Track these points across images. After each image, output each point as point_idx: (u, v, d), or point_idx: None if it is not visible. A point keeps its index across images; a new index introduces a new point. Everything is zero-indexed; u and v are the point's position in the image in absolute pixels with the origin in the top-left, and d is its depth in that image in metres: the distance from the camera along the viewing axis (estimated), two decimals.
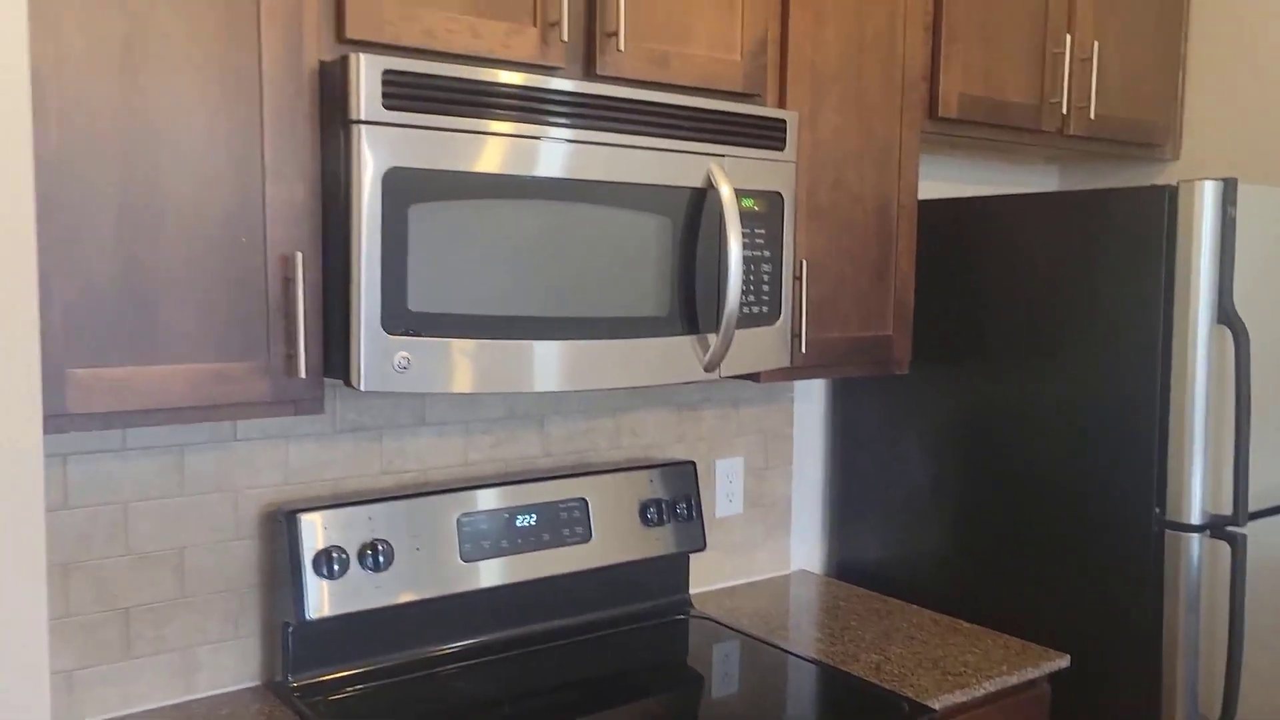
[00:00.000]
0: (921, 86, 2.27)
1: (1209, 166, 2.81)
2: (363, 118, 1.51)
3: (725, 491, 2.52)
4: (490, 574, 2.00)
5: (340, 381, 1.64)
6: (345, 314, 1.56)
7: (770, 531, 2.61)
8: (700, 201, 1.85)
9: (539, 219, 1.67)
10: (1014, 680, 2.04)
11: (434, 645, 2.00)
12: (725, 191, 1.82)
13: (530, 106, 1.65)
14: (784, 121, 1.94)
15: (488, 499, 2.02)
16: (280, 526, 1.86)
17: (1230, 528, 2.04)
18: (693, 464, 2.31)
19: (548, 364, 1.71)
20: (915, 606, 2.41)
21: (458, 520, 1.98)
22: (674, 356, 1.85)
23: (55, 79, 1.38)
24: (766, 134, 1.92)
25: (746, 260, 1.91)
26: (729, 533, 2.54)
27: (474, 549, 1.99)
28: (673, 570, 2.31)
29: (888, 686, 1.96)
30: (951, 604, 2.42)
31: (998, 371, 2.31)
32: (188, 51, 1.47)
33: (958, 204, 2.39)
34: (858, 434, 2.62)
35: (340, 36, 1.59)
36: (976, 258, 2.34)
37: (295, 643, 1.86)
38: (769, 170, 1.94)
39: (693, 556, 2.43)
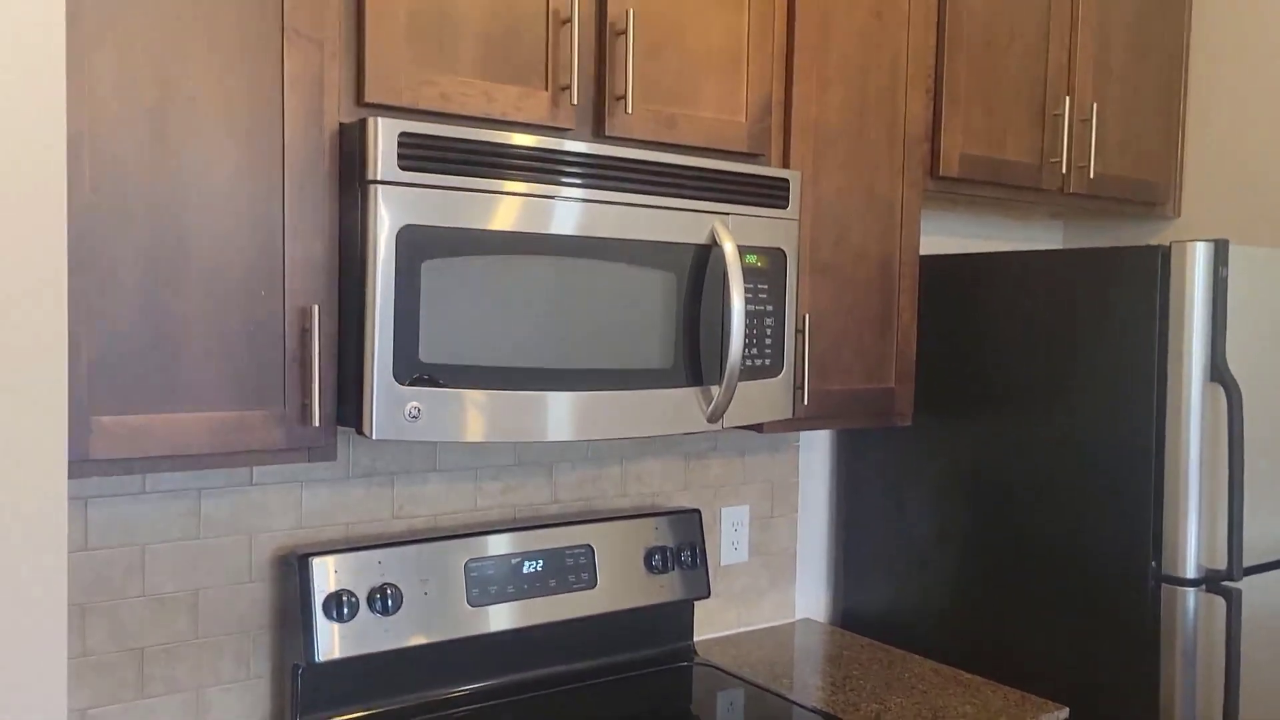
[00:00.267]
0: (923, 146, 2.33)
1: (1211, 224, 2.85)
2: (380, 178, 1.58)
3: (730, 539, 2.55)
4: (497, 619, 2.04)
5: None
6: (359, 364, 1.61)
7: (775, 580, 2.64)
8: (705, 258, 1.91)
9: (548, 274, 1.73)
10: None
11: (441, 689, 2.03)
12: (728, 248, 1.88)
13: (541, 167, 1.71)
14: (787, 181, 2.00)
15: (496, 545, 2.06)
16: (292, 569, 1.90)
17: (1225, 582, 2.07)
18: (698, 512, 2.34)
19: (555, 414, 1.75)
20: (917, 656, 2.43)
21: (466, 565, 2.02)
22: (679, 407, 1.89)
23: (90, 141, 1.44)
24: (770, 193, 1.98)
25: (750, 314, 1.96)
26: (734, 581, 2.57)
27: (481, 594, 2.03)
28: (677, 617, 2.34)
29: None
30: (953, 654, 2.44)
31: (997, 425, 2.35)
32: (215, 116, 1.54)
33: (959, 260, 2.44)
34: (862, 484, 2.65)
35: (360, 100, 1.66)
36: (977, 313, 2.39)
37: (304, 685, 1.90)
38: (773, 227, 1.99)
39: (698, 604, 2.46)
